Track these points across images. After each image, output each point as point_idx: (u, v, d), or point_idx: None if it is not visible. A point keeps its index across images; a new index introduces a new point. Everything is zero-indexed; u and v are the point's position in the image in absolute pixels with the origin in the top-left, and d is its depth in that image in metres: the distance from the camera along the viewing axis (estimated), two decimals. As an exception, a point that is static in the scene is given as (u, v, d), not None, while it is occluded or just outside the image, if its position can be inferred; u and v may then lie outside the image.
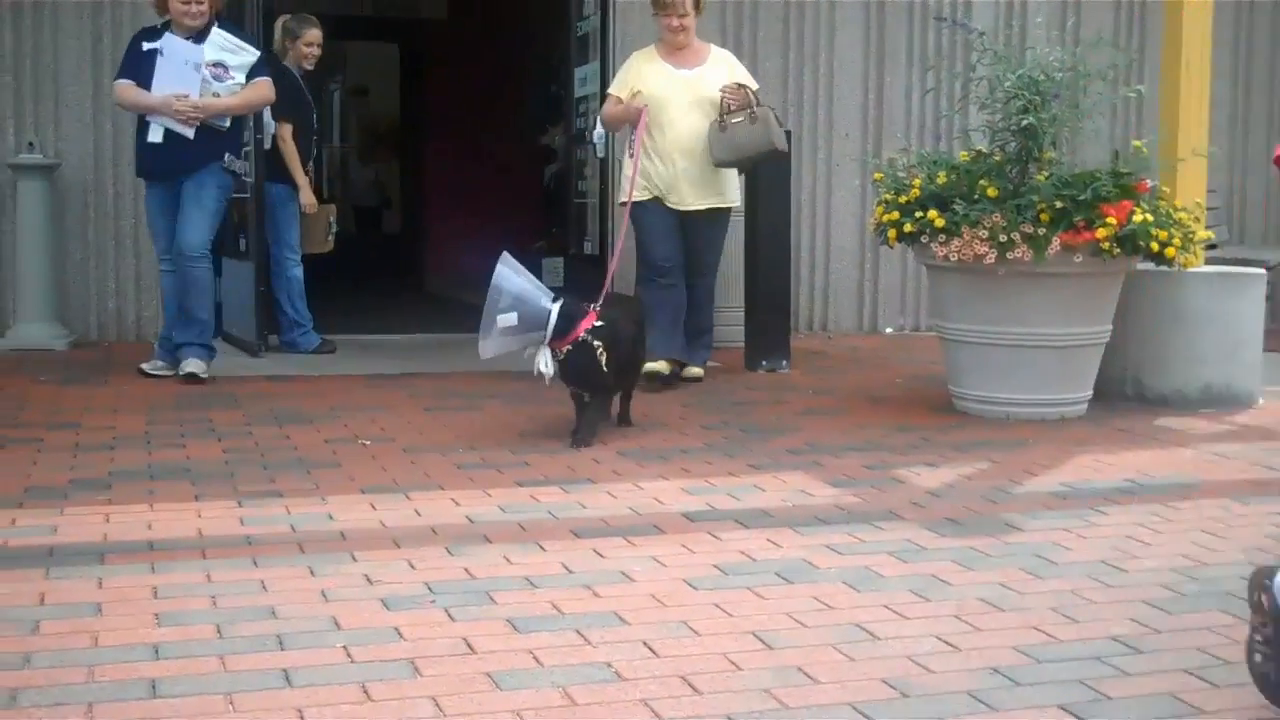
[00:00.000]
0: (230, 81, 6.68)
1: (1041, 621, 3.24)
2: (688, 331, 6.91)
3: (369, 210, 17.50)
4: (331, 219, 8.19)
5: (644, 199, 6.72)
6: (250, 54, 6.77)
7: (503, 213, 13.23)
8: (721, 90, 6.65)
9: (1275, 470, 5.00)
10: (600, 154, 8.11)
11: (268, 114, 7.59)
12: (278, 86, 7.74)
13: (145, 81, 6.60)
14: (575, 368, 5.20)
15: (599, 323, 5.23)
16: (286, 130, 7.74)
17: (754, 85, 6.87)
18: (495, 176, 13.37)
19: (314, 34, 7.89)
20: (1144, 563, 3.76)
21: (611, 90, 6.93)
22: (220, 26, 6.71)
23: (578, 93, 8.63)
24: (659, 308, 6.59)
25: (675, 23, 6.71)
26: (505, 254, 5.15)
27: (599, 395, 5.35)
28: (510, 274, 5.12)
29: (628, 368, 5.53)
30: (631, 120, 6.75)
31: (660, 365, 6.58)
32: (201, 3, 6.54)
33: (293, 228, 7.85)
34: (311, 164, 8.10)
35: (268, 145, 7.61)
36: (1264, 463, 5.12)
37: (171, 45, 6.60)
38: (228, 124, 6.75)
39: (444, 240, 13.79)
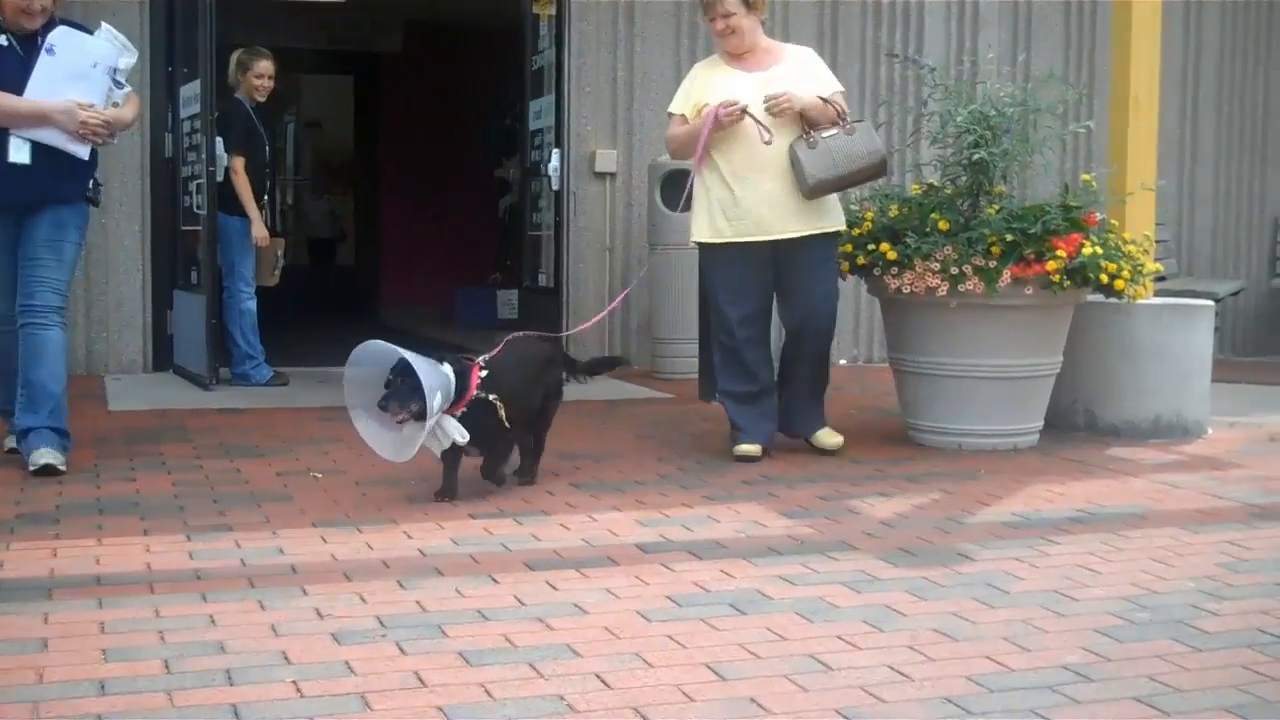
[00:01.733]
0: (126, 89, 5.41)
1: (994, 651, 3.25)
2: (809, 390, 5.81)
3: (323, 243, 17.46)
4: (280, 252, 8.16)
5: (714, 241, 5.64)
6: (134, 54, 5.45)
7: (457, 245, 13.27)
8: (766, 100, 5.47)
9: (1224, 500, 5.04)
10: (555, 186, 8.12)
11: (220, 146, 7.57)
12: (231, 119, 7.75)
13: (6, 84, 5.16)
14: (475, 427, 4.70)
15: (484, 373, 4.75)
16: (239, 163, 7.71)
17: (838, 87, 5.72)
18: (450, 209, 13.39)
19: (265, 66, 7.87)
20: (1095, 591, 3.78)
21: (673, 109, 5.80)
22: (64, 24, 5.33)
23: (532, 126, 8.65)
24: (734, 377, 5.70)
25: (719, 24, 5.61)
26: (378, 342, 4.60)
27: (499, 445, 4.89)
28: (415, 356, 4.53)
29: (521, 417, 4.95)
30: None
31: (752, 448, 5.64)
32: None
33: (247, 260, 7.81)
34: (265, 197, 8.08)
35: (220, 178, 7.58)
36: (1213, 492, 5.16)
37: (70, 41, 5.24)
38: (115, 141, 5.62)
39: (398, 273, 13.79)
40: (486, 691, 2.91)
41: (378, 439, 4.69)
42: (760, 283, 5.67)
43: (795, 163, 5.48)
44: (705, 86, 5.68)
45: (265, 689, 2.90)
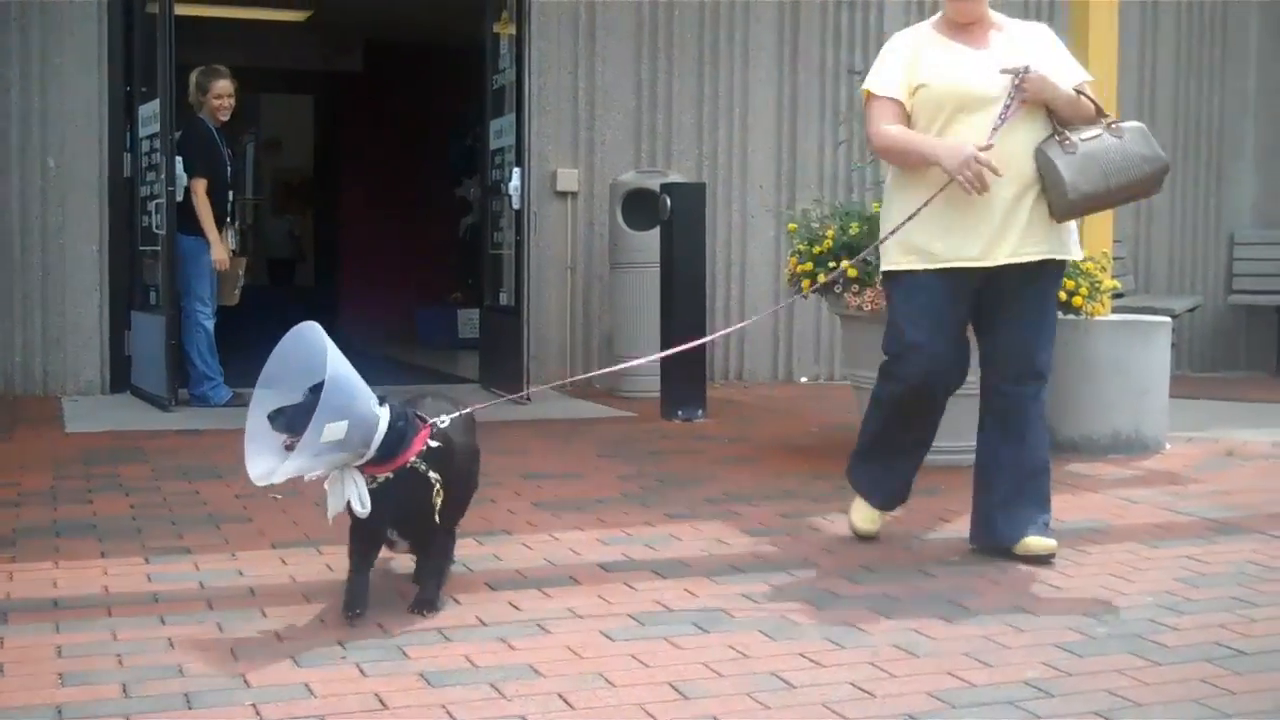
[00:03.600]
0: None
1: (955, 667, 3.25)
2: (1013, 474, 4.38)
3: (282, 262, 17.40)
4: (240, 271, 8.12)
5: (913, 267, 4.27)
6: None
7: (418, 265, 13.24)
8: (1012, 76, 4.16)
9: (1182, 514, 5.08)
10: (516, 205, 8.11)
11: (180, 167, 7.52)
12: (192, 141, 7.71)
13: None
14: (396, 504, 3.52)
15: (434, 442, 3.58)
16: (200, 185, 7.66)
17: (1086, 76, 4.41)
18: (410, 228, 13.36)
19: (223, 85, 7.83)
20: (1055, 606, 3.80)
21: (876, 90, 4.34)
22: None
23: (493, 145, 8.64)
24: (886, 414, 4.45)
25: None
26: (314, 324, 3.55)
27: (436, 538, 3.74)
28: (341, 360, 3.42)
29: (455, 508, 3.79)
30: (942, 160, 4.14)
31: (869, 519, 4.59)
32: None
33: (204, 280, 7.76)
34: (228, 219, 8.02)
35: (180, 198, 7.53)
36: (1171, 507, 5.20)
37: None
38: None
39: (358, 293, 13.75)
40: (448, 713, 2.89)
41: (258, 445, 3.48)
42: (955, 313, 4.35)
43: (1049, 170, 4.16)
44: (918, 63, 4.31)
45: (225, 712, 2.88)
